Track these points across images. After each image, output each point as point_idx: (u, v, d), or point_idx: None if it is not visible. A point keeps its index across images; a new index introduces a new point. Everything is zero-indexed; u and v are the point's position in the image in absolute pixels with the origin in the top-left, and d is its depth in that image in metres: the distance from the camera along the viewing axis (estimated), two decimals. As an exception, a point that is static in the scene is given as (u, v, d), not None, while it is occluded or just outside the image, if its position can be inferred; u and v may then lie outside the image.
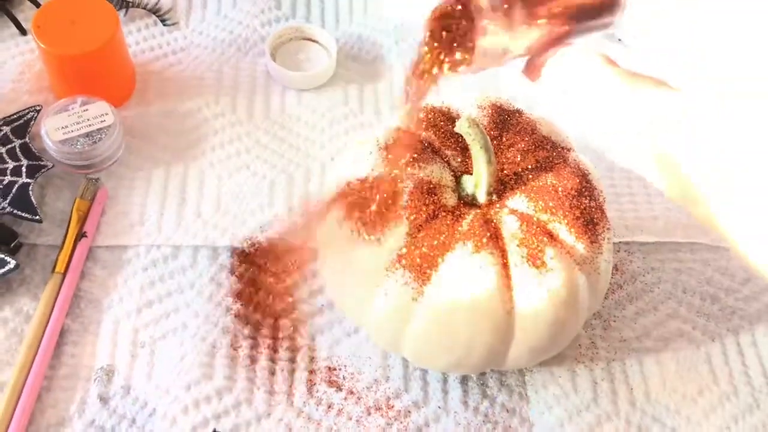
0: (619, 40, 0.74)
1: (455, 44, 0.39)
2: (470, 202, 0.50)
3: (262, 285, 0.57)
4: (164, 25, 0.70)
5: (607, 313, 0.58)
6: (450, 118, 0.52)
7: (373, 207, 0.45)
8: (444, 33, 0.39)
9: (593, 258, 0.48)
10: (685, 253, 0.62)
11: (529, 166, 0.51)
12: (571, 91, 0.41)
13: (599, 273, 0.49)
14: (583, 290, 0.48)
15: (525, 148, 0.51)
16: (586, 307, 0.49)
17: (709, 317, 0.59)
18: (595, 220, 0.49)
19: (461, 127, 0.47)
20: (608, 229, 0.50)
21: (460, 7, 0.38)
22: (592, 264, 0.48)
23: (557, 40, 0.40)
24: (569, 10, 0.39)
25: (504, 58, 0.40)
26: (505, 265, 0.46)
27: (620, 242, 0.61)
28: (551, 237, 0.47)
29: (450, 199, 0.49)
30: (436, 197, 0.48)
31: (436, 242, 0.47)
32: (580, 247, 0.48)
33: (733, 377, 0.56)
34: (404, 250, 0.47)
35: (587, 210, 0.49)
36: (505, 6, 0.38)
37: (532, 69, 0.42)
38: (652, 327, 0.58)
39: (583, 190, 0.50)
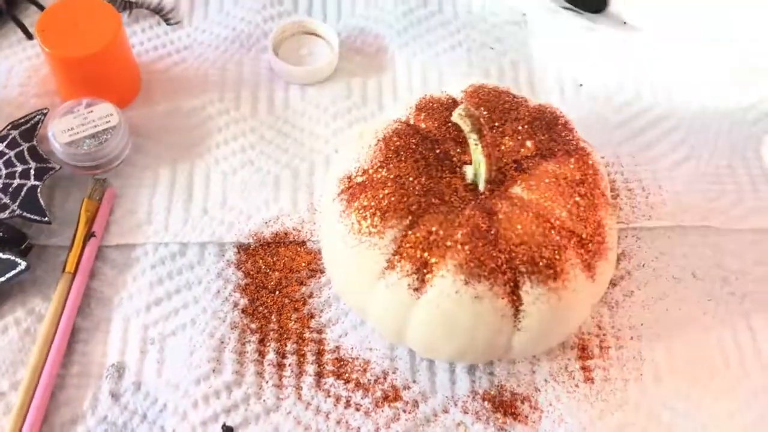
0: (624, 23, 0.73)
1: None
2: (472, 192, 0.50)
3: (268, 280, 0.58)
4: (167, 24, 0.71)
5: (615, 300, 0.58)
6: (449, 107, 0.52)
7: None
8: None
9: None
10: (695, 237, 0.61)
11: (530, 154, 0.50)
12: None
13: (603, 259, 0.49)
14: (586, 277, 0.48)
15: (526, 136, 0.51)
16: (590, 293, 0.49)
17: (720, 301, 0.58)
18: (598, 205, 0.49)
19: (457, 117, 0.47)
20: (611, 214, 0.50)
21: None
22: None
23: None
24: None
25: None
26: (507, 254, 0.46)
27: (628, 228, 0.61)
28: (553, 224, 0.47)
29: (450, 189, 0.49)
30: (435, 187, 0.48)
31: (436, 234, 0.47)
32: (583, 233, 0.47)
33: (744, 361, 0.56)
34: (405, 242, 0.47)
35: (590, 196, 0.48)
36: None
37: None
38: (661, 312, 0.57)
39: (586, 176, 0.49)
